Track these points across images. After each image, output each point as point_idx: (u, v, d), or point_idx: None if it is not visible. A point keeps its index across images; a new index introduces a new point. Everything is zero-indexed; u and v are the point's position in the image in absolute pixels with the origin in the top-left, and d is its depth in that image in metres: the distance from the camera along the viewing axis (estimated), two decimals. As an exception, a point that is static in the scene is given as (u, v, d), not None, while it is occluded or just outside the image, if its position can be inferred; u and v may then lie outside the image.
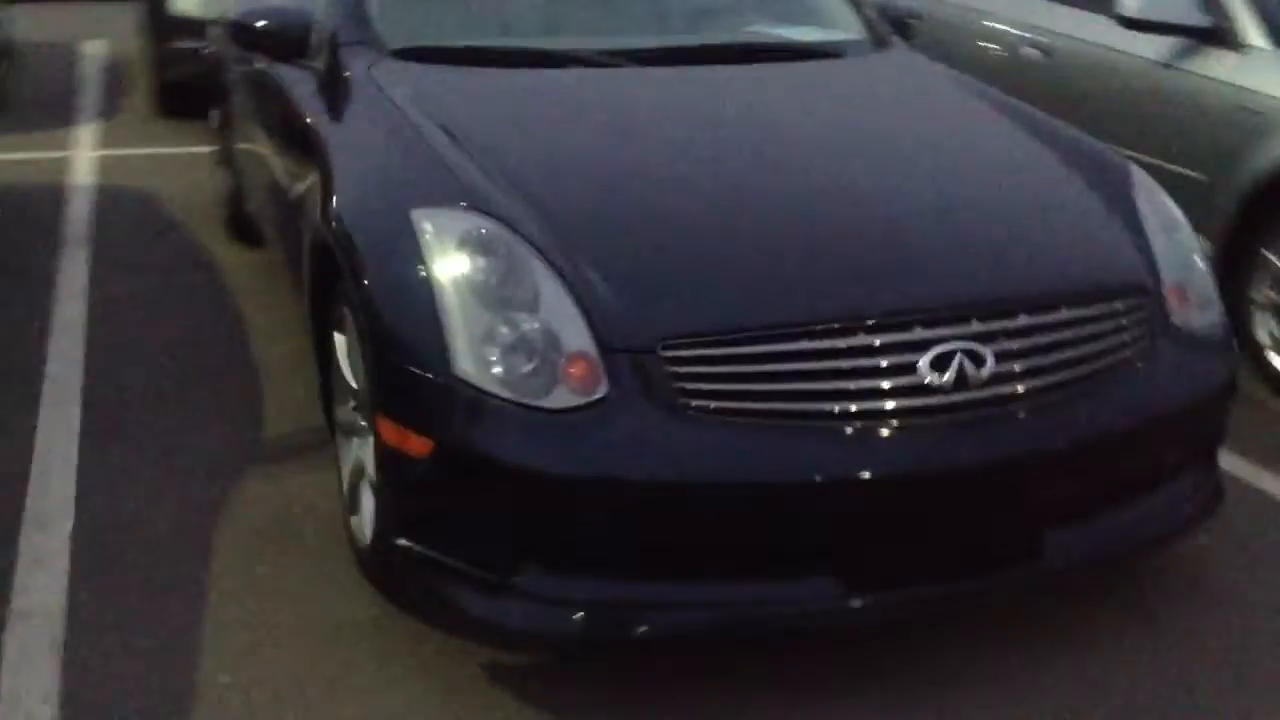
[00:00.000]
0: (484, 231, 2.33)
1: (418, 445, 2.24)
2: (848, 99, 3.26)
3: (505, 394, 2.18)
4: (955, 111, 3.24)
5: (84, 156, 6.43)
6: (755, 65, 3.34)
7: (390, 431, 2.29)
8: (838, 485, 2.20)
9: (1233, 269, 3.85)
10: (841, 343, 2.25)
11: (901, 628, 2.56)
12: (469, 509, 2.24)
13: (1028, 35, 4.81)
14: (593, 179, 2.62)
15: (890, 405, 2.24)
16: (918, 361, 2.26)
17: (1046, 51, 4.71)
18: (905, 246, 2.48)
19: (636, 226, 2.45)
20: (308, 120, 3.11)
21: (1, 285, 4.50)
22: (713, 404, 2.19)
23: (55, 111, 7.48)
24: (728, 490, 2.18)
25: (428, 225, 2.37)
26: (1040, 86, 4.51)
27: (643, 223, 2.46)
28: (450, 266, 2.30)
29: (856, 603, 2.27)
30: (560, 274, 2.27)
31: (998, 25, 4.99)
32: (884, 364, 2.25)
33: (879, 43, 3.65)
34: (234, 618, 2.58)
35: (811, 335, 2.24)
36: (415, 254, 2.33)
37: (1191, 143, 4.04)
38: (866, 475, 2.20)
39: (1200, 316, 2.68)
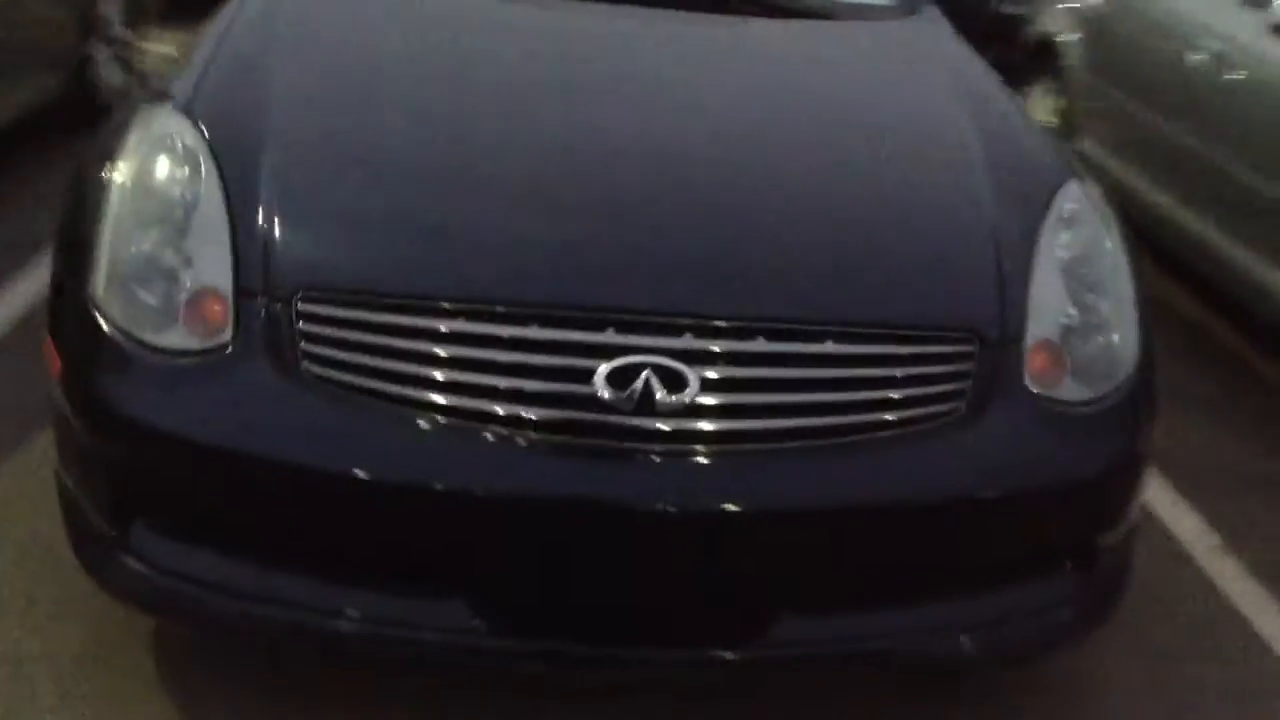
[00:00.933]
0: (180, 140, 2.07)
1: (55, 367, 2.03)
2: (797, 65, 2.76)
3: (120, 323, 1.91)
4: (901, 94, 2.67)
5: None
6: (743, 19, 2.88)
7: (46, 346, 2.08)
8: (456, 497, 1.81)
9: None
10: (502, 331, 1.85)
11: (560, 687, 2.16)
12: (85, 447, 2.00)
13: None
14: (370, 109, 2.28)
15: (541, 415, 1.82)
16: (594, 371, 1.83)
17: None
18: (671, 240, 2.02)
19: (370, 167, 2.11)
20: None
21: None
22: (340, 375, 1.84)
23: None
24: (327, 478, 1.83)
25: (138, 121, 2.15)
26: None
27: (381, 165, 2.12)
28: (126, 170, 2.06)
29: (485, 643, 1.88)
30: (231, 200, 1.98)
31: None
32: (549, 366, 1.84)
33: (908, 9, 3.09)
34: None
35: (468, 316, 1.85)
36: (114, 150, 2.11)
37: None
38: (491, 492, 1.80)
39: (1074, 388, 2.06)
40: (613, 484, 1.82)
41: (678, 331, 1.86)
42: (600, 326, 1.85)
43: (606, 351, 1.84)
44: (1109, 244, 2.23)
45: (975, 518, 1.98)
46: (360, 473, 1.82)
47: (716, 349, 1.87)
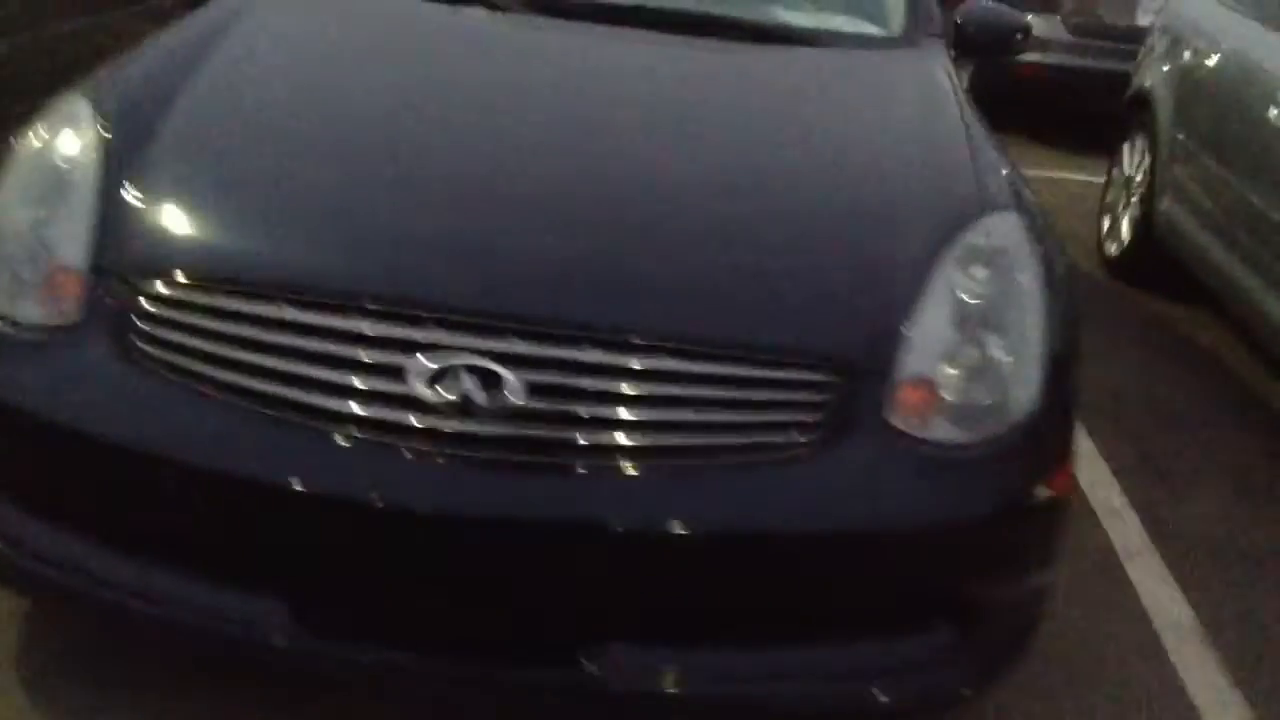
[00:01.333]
0: (76, 124, 2.12)
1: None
2: (749, 87, 2.68)
3: None
4: (849, 122, 2.56)
5: None
6: (717, 43, 2.82)
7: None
8: (265, 490, 1.79)
9: None
10: (328, 322, 1.82)
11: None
12: None
13: None
14: (269, 108, 2.28)
15: (358, 411, 1.78)
16: (414, 369, 1.78)
17: None
18: (523, 243, 1.95)
19: (244, 158, 2.11)
20: None
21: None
22: (173, 358, 1.85)
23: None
24: (149, 461, 1.83)
25: (50, 104, 2.21)
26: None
27: (255, 157, 2.12)
28: (24, 148, 2.12)
29: (286, 642, 1.84)
30: (107, 183, 2.01)
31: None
32: (370, 361, 1.80)
33: (908, 41, 2.99)
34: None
35: (296, 305, 1.83)
36: (26, 129, 2.18)
37: None
38: (300, 488, 1.76)
39: (947, 429, 1.91)
40: (418, 489, 1.77)
41: (503, 334, 1.81)
42: (424, 323, 1.81)
43: (429, 349, 1.80)
44: (1021, 282, 2.08)
45: (818, 557, 1.85)
46: (179, 459, 1.82)
47: (543, 355, 1.81)
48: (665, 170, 2.22)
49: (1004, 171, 2.44)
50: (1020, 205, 2.27)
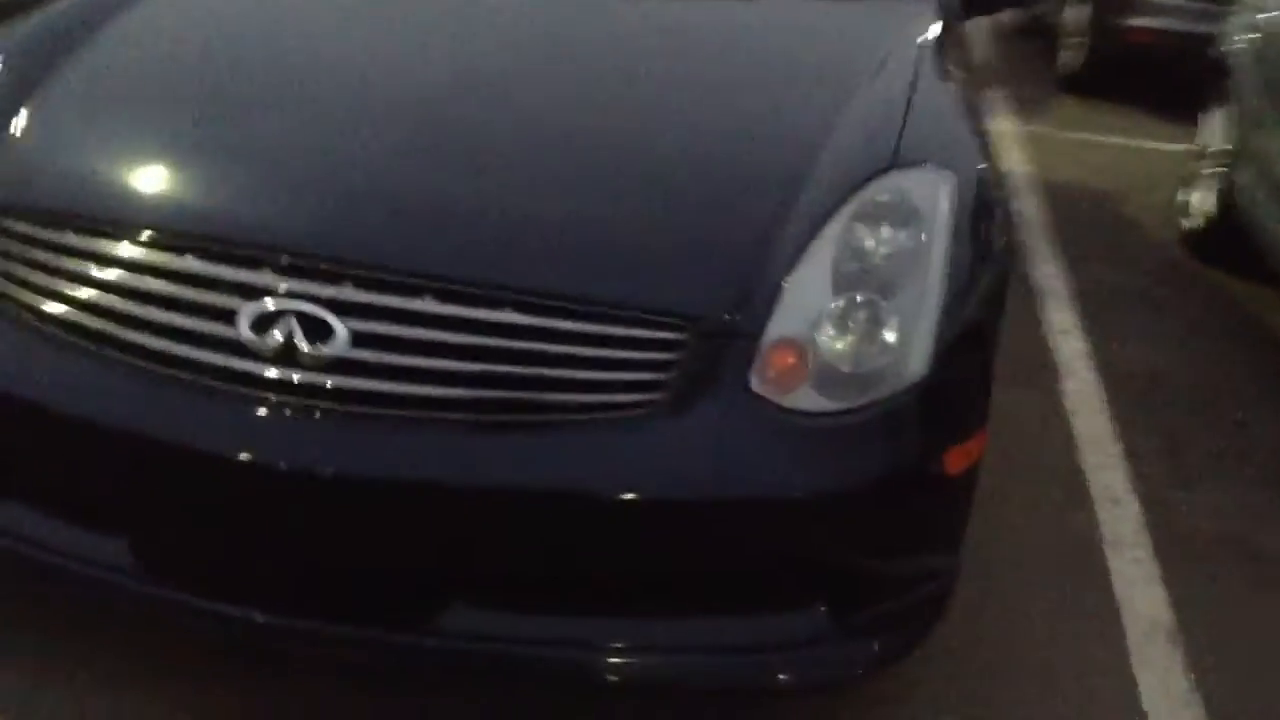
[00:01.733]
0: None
1: None
2: (694, 34, 2.56)
3: None
4: (790, 72, 2.41)
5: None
6: None
7: None
8: (98, 430, 1.77)
9: None
10: (159, 260, 1.79)
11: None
12: None
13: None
14: (163, 55, 2.28)
15: (184, 352, 1.75)
16: (241, 311, 1.74)
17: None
18: (368, 185, 1.90)
19: (116, 98, 2.12)
20: None
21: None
22: (26, 296, 1.85)
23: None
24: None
25: None
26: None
27: (126, 96, 2.13)
28: None
29: (128, 585, 1.83)
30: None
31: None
32: (199, 301, 1.77)
33: None
34: None
35: (128, 240, 1.81)
36: None
37: None
38: (126, 428, 1.75)
39: (813, 396, 1.79)
40: (235, 434, 1.73)
41: (337, 280, 1.75)
42: (255, 265, 1.77)
43: (258, 292, 1.75)
44: (927, 245, 1.92)
45: (662, 523, 1.75)
46: (16, 393, 1.82)
47: (379, 304, 1.74)
48: (538, 118, 2.12)
49: (952, 129, 2.28)
50: (955, 165, 2.10)
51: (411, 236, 1.81)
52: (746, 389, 1.78)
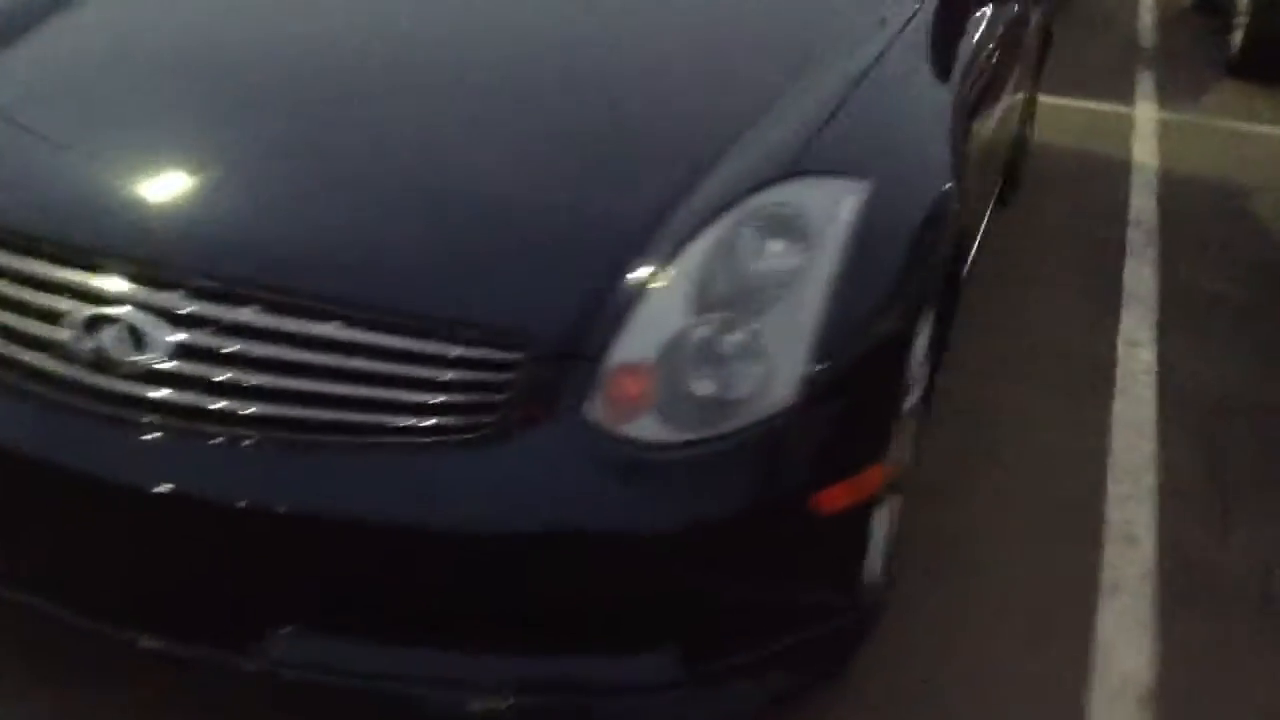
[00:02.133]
0: None
1: None
2: (642, 19, 2.40)
3: None
4: (726, 65, 2.24)
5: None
6: None
7: None
8: None
9: None
10: (5, 261, 1.78)
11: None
12: None
13: None
14: (97, 49, 2.27)
15: (19, 357, 1.74)
16: (65, 315, 1.71)
17: None
18: (218, 189, 1.85)
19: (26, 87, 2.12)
20: None
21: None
22: None
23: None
24: None
25: None
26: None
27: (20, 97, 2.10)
28: None
29: None
30: None
31: None
32: (24, 302, 1.75)
33: None
34: None
35: None
36: None
37: None
38: None
39: (654, 426, 1.65)
40: (52, 443, 1.71)
41: (163, 287, 1.71)
42: (87, 268, 1.73)
43: (89, 297, 1.72)
44: (812, 261, 1.75)
45: (482, 555, 1.65)
46: None
47: (207, 313, 1.69)
48: (399, 121, 2.01)
49: (905, 134, 2.09)
50: (886, 175, 1.91)
51: (242, 245, 1.75)
52: (582, 417, 1.65)
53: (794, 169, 1.86)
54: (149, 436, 1.67)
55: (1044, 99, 5.10)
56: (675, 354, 1.68)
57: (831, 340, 1.73)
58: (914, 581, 2.36)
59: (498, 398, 1.66)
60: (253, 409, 1.66)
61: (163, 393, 1.68)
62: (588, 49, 2.23)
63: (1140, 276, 4.07)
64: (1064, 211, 4.60)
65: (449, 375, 1.66)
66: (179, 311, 1.69)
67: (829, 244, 1.78)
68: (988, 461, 2.88)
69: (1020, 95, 3.79)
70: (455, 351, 1.66)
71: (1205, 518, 2.77)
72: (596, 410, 1.65)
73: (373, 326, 1.67)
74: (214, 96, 2.08)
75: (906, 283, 1.89)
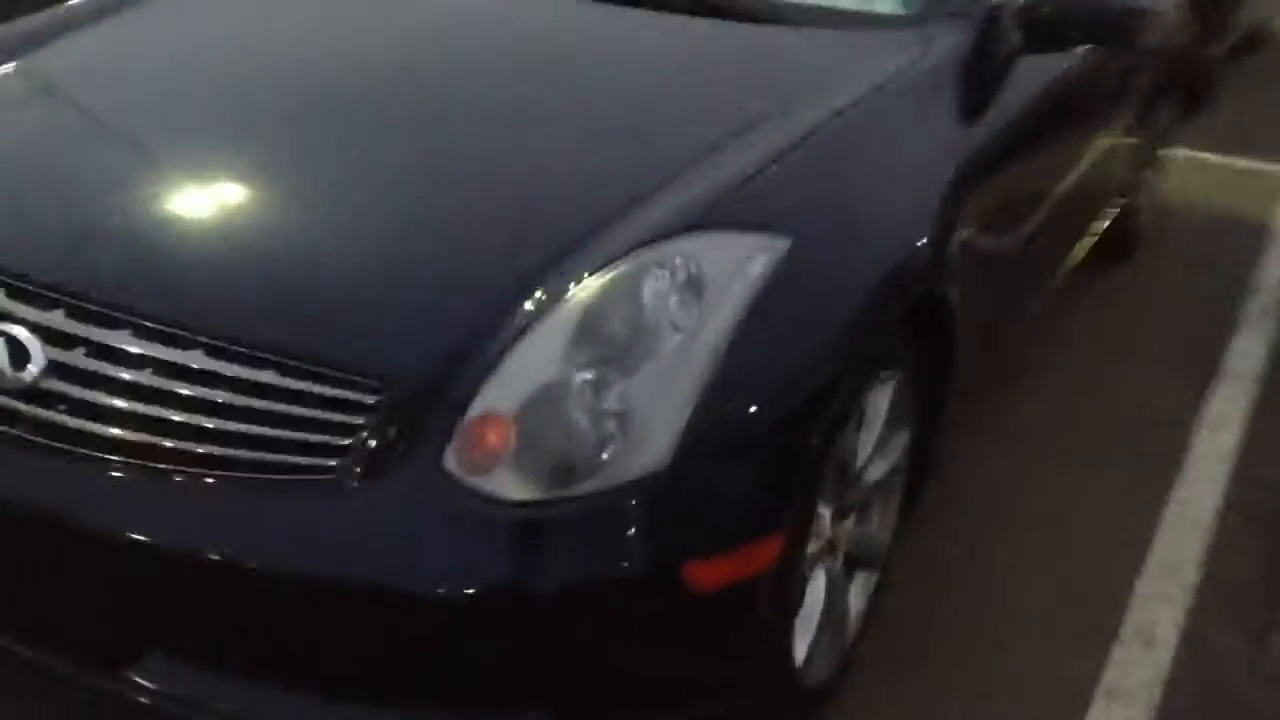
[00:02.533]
0: None
1: None
2: (620, 71, 2.34)
3: None
4: (687, 113, 2.13)
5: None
6: (692, 19, 2.44)
7: None
8: None
9: None
10: None
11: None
12: None
13: None
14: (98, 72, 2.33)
15: None
16: None
17: None
18: (117, 212, 1.86)
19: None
20: None
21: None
22: None
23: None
24: None
25: None
26: None
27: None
28: None
29: None
30: None
31: None
32: None
33: (914, 23, 2.45)
34: None
35: None
36: None
37: None
38: None
39: (509, 481, 1.57)
40: None
41: (49, 305, 1.73)
42: None
43: None
44: (703, 319, 1.65)
45: (332, 603, 1.60)
46: None
47: (78, 333, 1.70)
48: (303, 155, 2.01)
49: (856, 195, 1.97)
50: (817, 236, 1.81)
51: (120, 268, 1.77)
52: (438, 466, 1.58)
53: (699, 223, 1.76)
54: (19, 454, 1.68)
55: (1191, 154, 4.76)
56: (539, 406, 1.60)
57: (719, 403, 1.62)
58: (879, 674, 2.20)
59: (351, 440, 1.61)
60: (113, 432, 1.65)
61: (37, 411, 1.68)
62: (523, 99, 2.17)
63: (1246, 353, 3.73)
64: (1178, 274, 4.28)
65: (308, 414, 1.62)
66: (62, 331, 1.70)
67: (728, 301, 1.67)
68: (1009, 548, 2.67)
69: (1125, 144, 3.52)
70: (315, 389, 1.63)
71: (1237, 624, 2.49)
72: (452, 460, 1.58)
73: (234, 359, 1.65)
74: (103, 122, 2.12)
75: (835, 345, 1.76)
